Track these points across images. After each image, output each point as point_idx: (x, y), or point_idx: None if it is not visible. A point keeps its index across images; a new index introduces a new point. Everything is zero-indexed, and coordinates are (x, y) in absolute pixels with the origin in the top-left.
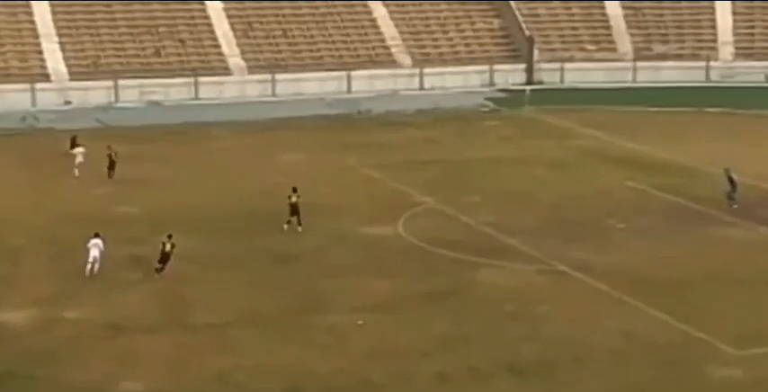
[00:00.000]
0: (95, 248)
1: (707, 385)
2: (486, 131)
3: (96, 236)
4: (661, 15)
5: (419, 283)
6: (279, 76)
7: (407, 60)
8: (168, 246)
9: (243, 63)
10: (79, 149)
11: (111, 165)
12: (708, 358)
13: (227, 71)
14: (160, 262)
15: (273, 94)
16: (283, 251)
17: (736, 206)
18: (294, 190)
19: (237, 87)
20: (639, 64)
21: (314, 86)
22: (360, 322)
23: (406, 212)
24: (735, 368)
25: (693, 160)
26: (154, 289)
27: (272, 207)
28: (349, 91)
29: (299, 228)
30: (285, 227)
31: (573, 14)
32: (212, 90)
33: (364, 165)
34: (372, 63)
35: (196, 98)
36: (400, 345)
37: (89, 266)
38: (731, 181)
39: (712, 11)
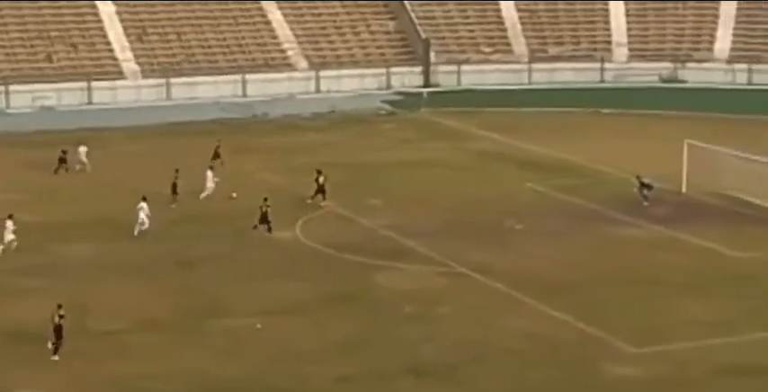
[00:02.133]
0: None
1: (605, 383)
2: (384, 134)
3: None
4: (556, 17)
5: (319, 287)
6: (173, 80)
7: (303, 63)
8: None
9: (136, 67)
10: None
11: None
12: (605, 356)
13: (120, 75)
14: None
15: (168, 98)
16: (183, 256)
17: (647, 203)
18: (265, 199)
19: (131, 92)
20: (535, 65)
21: (209, 90)
22: (258, 326)
23: (305, 216)
24: (631, 366)
25: (590, 161)
26: (52, 297)
27: (173, 212)
28: (244, 94)
29: (269, 234)
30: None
31: (468, 16)
32: (106, 95)
33: (261, 170)
34: (268, 66)
35: (89, 103)
36: (301, 349)
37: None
38: (645, 185)
39: (606, 12)
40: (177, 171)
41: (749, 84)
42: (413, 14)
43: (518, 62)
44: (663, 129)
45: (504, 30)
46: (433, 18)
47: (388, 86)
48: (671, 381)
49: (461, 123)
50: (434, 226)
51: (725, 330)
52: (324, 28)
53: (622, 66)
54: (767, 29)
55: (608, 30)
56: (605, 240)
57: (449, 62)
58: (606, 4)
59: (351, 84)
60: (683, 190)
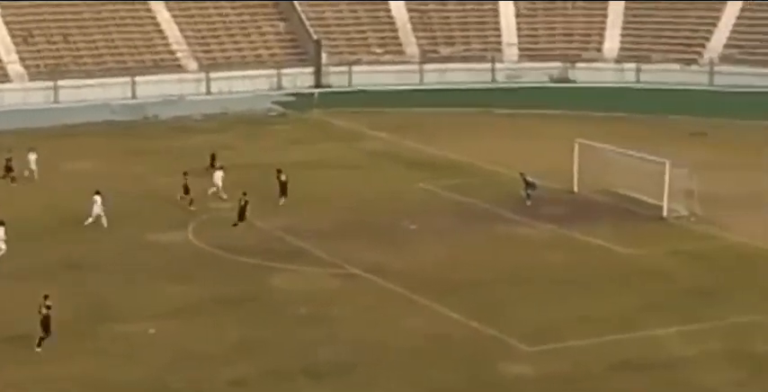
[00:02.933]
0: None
1: (500, 381)
2: (276, 135)
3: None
4: (446, 17)
5: (212, 289)
6: (61, 83)
7: (193, 65)
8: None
9: (23, 70)
10: None
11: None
12: (501, 355)
13: (6, 78)
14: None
15: (56, 101)
16: (75, 259)
17: (529, 202)
18: (244, 193)
19: (18, 94)
20: (426, 66)
21: (98, 92)
22: (151, 331)
23: (198, 218)
24: (527, 364)
25: (482, 160)
26: None
27: (61, 216)
28: (134, 96)
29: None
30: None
31: (359, 17)
32: None
33: (153, 172)
34: (158, 68)
35: None
36: (196, 352)
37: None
38: (528, 183)
39: (496, 13)
40: (186, 174)
41: (638, 82)
42: (303, 15)
43: (409, 62)
44: (554, 129)
45: (395, 30)
46: (324, 19)
47: (280, 87)
48: (566, 379)
49: (353, 124)
50: (328, 227)
51: (618, 327)
52: (214, 29)
53: (513, 66)
54: (655, 28)
55: (498, 30)
56: (498, 239)
57: (340, 63)
58: (496, 5)
59: (242, 86)
60: (575, 189)
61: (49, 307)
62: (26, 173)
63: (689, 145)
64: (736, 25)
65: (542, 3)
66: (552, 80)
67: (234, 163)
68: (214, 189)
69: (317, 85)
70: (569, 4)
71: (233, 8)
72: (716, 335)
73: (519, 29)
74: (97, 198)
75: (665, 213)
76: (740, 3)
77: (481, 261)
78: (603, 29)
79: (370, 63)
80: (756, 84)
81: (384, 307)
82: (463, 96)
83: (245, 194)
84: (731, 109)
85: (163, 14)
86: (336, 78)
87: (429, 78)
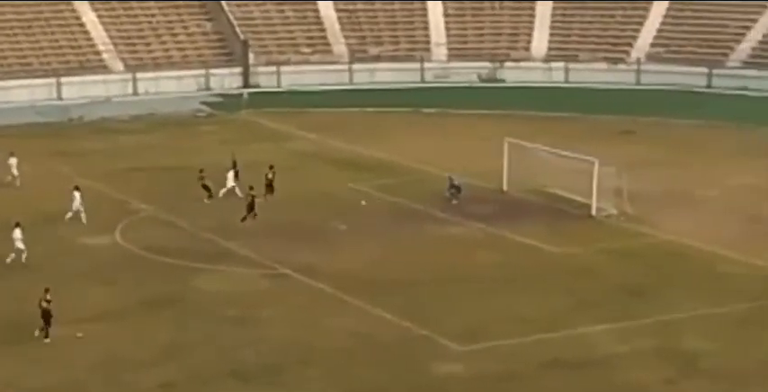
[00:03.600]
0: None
1: (431, 380)
2: (204, 136)
3: None
4: (375, 17)
5: (140, 292)
6: None
7: (119, 65)
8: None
9: None
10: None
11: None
12: (432, 354)
13: None
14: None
15: None
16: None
17: (455, 201)
18: (251, 188)
19: None
20: (355, 66)
21: (23, 94)
22: (79, 334)
23: (124, 220)
24: (458, 363)
25: (411, 160)
26: None
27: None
28: (60, 98)
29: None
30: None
31: (287, 17)
32: None
33: (79, 174)
34: (83, 69)
35: None
36: (123, 356)
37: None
38: (454, 186)
39: (425, 12)
40: (202, 171)
41: (566, 82)
42: (230, 15)
43: (338, 62)
44: (483, 128)
45: (324, 30)
46: (252, 19)
47: (208, 88)
48: (497, 378)
49: (282, 124)
50: (257, 227)
51: (549, 325)
52: (140, 29)
53: (442, 65)
54: (583, 28)
55: (427, 30)
56: (429, 239)
57: (268, 63)
58: (424, 5)
59: (169, 86)
60: (505, 188)
61: (48, 301)
62: (8, 178)
63: (617, 143)
64: (662, 24)
65: (470, 3)
66: (481, 80)
67: (161, 164)
68: (233, 186)
69: (246, 86)
70: (497, 4)
71: (159, 8)
72: (646, 333)
73: (447, 28)
74: (76, 194)
75: (594, 212)
76: (666, 2)
77: (412, 261)
78: (531, 28)
79: (298, 63)
80: (682, 82)
81: (314, 308)
82: (392, 96)
83: (251, 189)
84: (658, 107)
85: (88, 15)
86: (265, 78)
87: (358, 78)
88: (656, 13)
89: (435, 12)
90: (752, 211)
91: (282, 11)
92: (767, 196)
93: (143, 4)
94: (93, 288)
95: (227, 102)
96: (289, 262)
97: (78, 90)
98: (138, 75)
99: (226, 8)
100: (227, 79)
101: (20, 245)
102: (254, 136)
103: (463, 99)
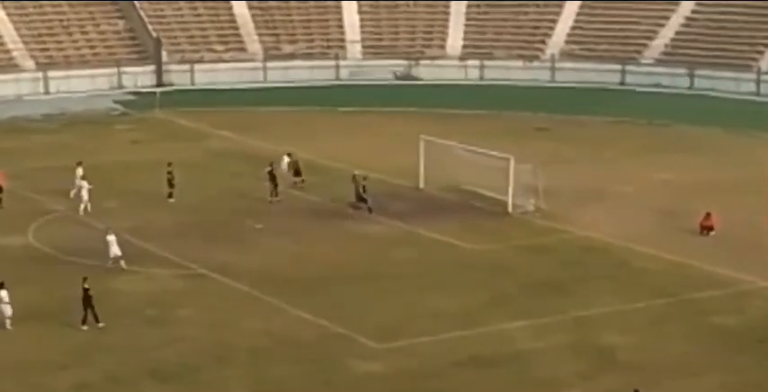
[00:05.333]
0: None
1: (349, 379)
2: (117, 135)
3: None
4: (289, 15)
5: (54, 293)
6: None
7: (30, 64)
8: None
9: None
10: None
11: None
12: (349, 352)
13: None
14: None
15: None
16: None
17: (364, 210)
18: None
19: None
20: (269, 64)
21: None
22: None
23: (37, 220)
24: (375, 361)
25: (327, 158)
26: None
27: None
28: None
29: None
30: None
31: (200, 15)
32: None
33: None
34: None
35: None
36: (36, 358)
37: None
38: (362, 199)
39: (339, 10)
40: (170, 164)
41: (481, 79)
42: (142, 13)
43: (252, 60)
44: (399, 126)
45: (237, 28)
46: (164, 17)
47: (120, 86)
48: (414, 375)
49: (196, 123)
50: (173, 227)
51: (465, 322)
52: (50, 27)
53: (357, 63)
54: (497, 25)
55: (341, 27)
56: (345, 237)
57: (182, 61)
58: (338, 3)
59: (81, 85)
60: (421, 185)
61: (86, 289)
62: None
63: (533, 140)
64: (576, 22)
65: (385, 1)
66: (396, 77)
67: (72, 163)
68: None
69: (159, 84)
70: (411, 3)
71: (70, 6)
72: (562, 329)
73: (362, 26)
74: (79, 170)
75: (510, 208)
76: (579, 1)
77: (328, 259)
78: (446, 26)
79: (212, 61)
80: (596, 79)
81: (231, 308)
82: (307, 94)
83: (271, 165)
84: (573, 104)
85: None
86: (178, 77)
87: (272, 76)
88: (570, 10)
89: (350, 9)
90: (666, 207)
91: (195, 8)
92: (681, 192)
93: (53, 3)
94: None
95: (141, 100)
96: (205, 262)
97: None
98: (50, 73)
99: (137, 6)
100: (140, 77)
101: None
102: (168, 134)
103: (379, 97)
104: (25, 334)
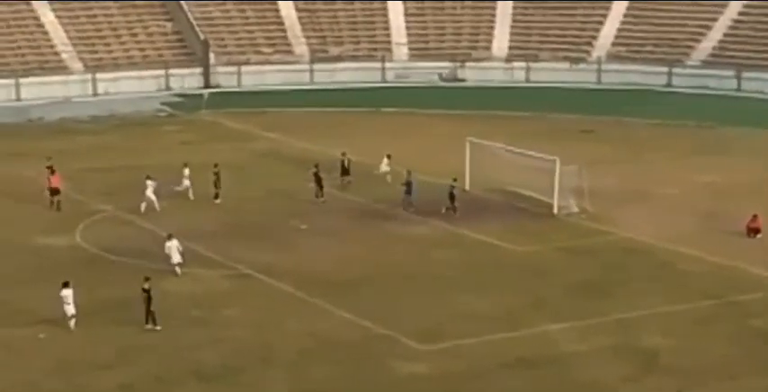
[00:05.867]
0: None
1: (392, 380)
2: (165, 136)
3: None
4: (335, 17)
5: (99, 293)
6: None
7: (79, 66)
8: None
9: None
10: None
11: None
12: (392, 354)
13: None
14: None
15: None
16: None
17: (412, 209)
18: (316, 165)
19: None
20: (316, 66)
21: None
22: (41, 335)
23: (84, 221)
24: (419, 362)
25: (373, 160)
26: None
27: None
28: (19, 98)
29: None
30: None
31: (247, 17)
32: None
33: (39, 175)
34: (42, 69)
35: None
36: (81, 357)
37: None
38: (408, 184)
39: (385, 12)
40: (217, 165)
41: (527, 81)
42: (190, 15)
43: (299, 62)
44: (444, 128)
45: (284, 30)
46: (212, 19)
47: (168, 88)
48: (457, 376)
49: (243, 124)
50: (219, 228)
51: (508, 324)
52: (99, 29)
53: (403, 65)
54: (543, 27)
55: (387, 29)
56: (389, 238)
57: (229, 63)
58: (385, 4)
59: (129, 87)
60: (466, 187)
61: (145, 290)
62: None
63: (578, 142)
64: (623, 23)
65: (431, 2)
66: (442, 79)
67: (121, 165)
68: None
69: (206, 86)
70: (458, 4)
71: (119, 8)
72: (604, 331)
73: (408, 28)
74: (149, 182)
75: (555, 210)
76: (626, 2)
77: (373, 260)
78: (492, 28)
79: (259, 63)
80: (642, 81)
81: (275, 308)
82: (353, 96)
83: (316, 166)
84: (619, 106)
85: (47, 15)
86: (225, 79)
87: (319, 78)
88: (617, 12)
89: (396, 11)
90: (711, 209)
91: (243, 10)
92: (726, 194)
93: (102, 4)
94: (52, 289)
95: (188, 102)
96: (250, 263)
97: (38, 90)
98: (98, 75)
99: (186, 8)
100: (187, 79)
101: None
102: (215, 136)
103: (424, 99)
104: (70, 334)
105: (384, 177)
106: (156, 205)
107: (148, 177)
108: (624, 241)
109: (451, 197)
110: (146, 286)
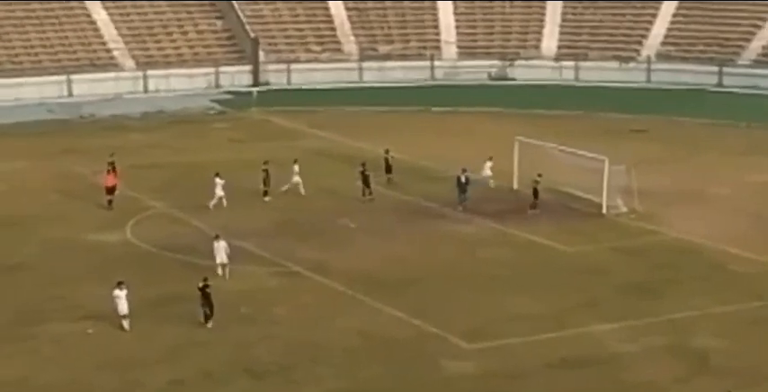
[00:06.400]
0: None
1: (441, 379)
2: (215, 134)
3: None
4: (385, 15)
5: (150, 289)
6: None
7: (130, 63)
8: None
9: None
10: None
11: None
12: (441, 352)
13: None
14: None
15: None
16: (5, 261)
17: (462, 206)
18: (363, 164)
19: None
20: (365, 64)
21: (34, 91)
22: (89, 331)
23: (135, 217)
24: (467, 361)
25: (421, 158)
26: None
27: None
28: (71, 95)
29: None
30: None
31: (297, 15)
32: None
33: (90, 171)
34: (93, 66)
35: None
36: (132, 354)
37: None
38: (464, 180)
39: (435, 11)
40: (266, 163)
41: (576, 80)
42: (241, 13)
43: (348, 60)
44: (493, 127)
45: (334, 28)
46: (262, 17)
47: (218, 85)
48: (506, 375)
49: (292, 122)
50: (267, 224)
51: (557, 324)
52: (150, 27)
53: (452, 64)
54: (593, 26)
55: (437, 28)
56: (438, 236)
57: (278, 61)
58: (434, 3)
59: (179, 84)
60: (515, 186)
61: (201, 288)
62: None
63: (628, 142)
64: (672, 22)
65: (480, 1)
66: (491, 78)
67: (169, 161)
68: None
69: (255, 84)
70: (507, 3)
71: (170, 6)
72: (656, 331)
73: (457, 27)
74: (218, 180)
75: (604, 210)
76: (676, 1)
77: (422, 259)
78: (542, 27)
79: (308, 61)
80: (693, 80)
81: (325, 306)
82: (402, 94)
83: (363, 165)
84: (668, 106)
85: (99, 13)
86: (275, 76)
87: (368, 76)
88: (667, 11)
89: (445, 10)
90: (763, 209)
91: (293, 9)
92: None
93: (154, 2)
94: (103, 285)
95: (237, 99)
96: (299, 261)
97: (89, 87)
98: (149, 72)
99: (236, 6)
100: (236, 77)
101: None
102: (264, 134)
103: (473, 97)
104: (121, 330)
105: (487, 182)
106: (224, 201)
107: (217, 174)
108: (674, 241)
109: (535, 193)
110: (200, 284)
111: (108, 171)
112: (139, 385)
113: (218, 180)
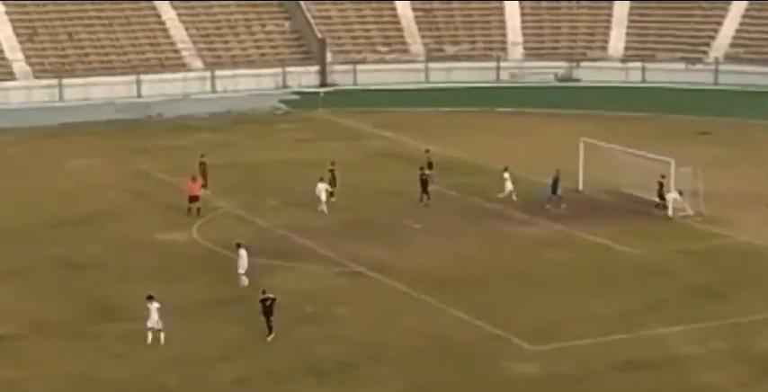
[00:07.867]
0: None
1: (503, 380)
2: (281, 134)
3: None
4: (451, 16)
5: (215, 288)
6: (66, 81)
7: (198, 63)
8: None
9: (28, 68)
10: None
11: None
12: (504, 353)
13: (11, 76)
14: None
15: (61, 99)
16: (73, 258)
17: (564, 205)
18: (421, 168)
19: (23, 93)
20: (431, 65)
21: (103, 91)
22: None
23: (202, 217)
24: (530, 362)
25: (486, 159)
26: None
27: (61, 214)
28: (139, 95)
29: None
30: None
31: (364, 16)
32: None
33: (157, 170)
34: (162, 66)
35: None
36: (196, 351)
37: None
38: (554, 180)
39: (501, 11)
40: (333, 163)
41: (643, 82)
42: (308, 14)
43: (414, 61)
44: (559, 128)
45: (401, 29)
46: (329, 17)
47: (285, 86)
48: (570, 378)
49: (358, 122)
50: (331, 224)
51: (621, 326)
52: (218, 27)
53: (518, 65)
54: (660, 27)
55: (503, 29)
56: (502, 238)
57: (345, 62)
58: (501, 4)
59: (247, 84)
60: (580, 187)
61: (262, 301)
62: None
63: (694, 144)
64: (741, 24)
65: (547, 2)
66: (557, 79)
67: (236, 161)
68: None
69: (322, 84)
70: (574, 4)
71: (238, 7)
72: (720, 334)
73: (524, 28)
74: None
75: (670, 212)
76: (745, 2)
77: (486, 260)
78: (608, 28)
79: (375, 62)
80: (761, 83)
81: (388, 306)
82: (468, 95)
83: (422, 169)
84: (736, 108)
85: (168, 13)
86: (341, 77)
87: (434, 77)
88: (735, 12)
89: (512, 11)
90: None
91: (360, 10)
92: None
93: (222, 3)
94: (168, 283)
95: (304, 100)
96: (363, 260)
97: (157, 87)
98: (217, 72)
99: (303, 7)
100: (304, 77)
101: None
102: (330, 134)
103: (539, 98)
104: (186, 329)
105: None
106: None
107: (321, 180)
108: (740, 244)
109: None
110: (262, 296)
111: (193, 178)
112: (203, 383)
113: (320, 185)
